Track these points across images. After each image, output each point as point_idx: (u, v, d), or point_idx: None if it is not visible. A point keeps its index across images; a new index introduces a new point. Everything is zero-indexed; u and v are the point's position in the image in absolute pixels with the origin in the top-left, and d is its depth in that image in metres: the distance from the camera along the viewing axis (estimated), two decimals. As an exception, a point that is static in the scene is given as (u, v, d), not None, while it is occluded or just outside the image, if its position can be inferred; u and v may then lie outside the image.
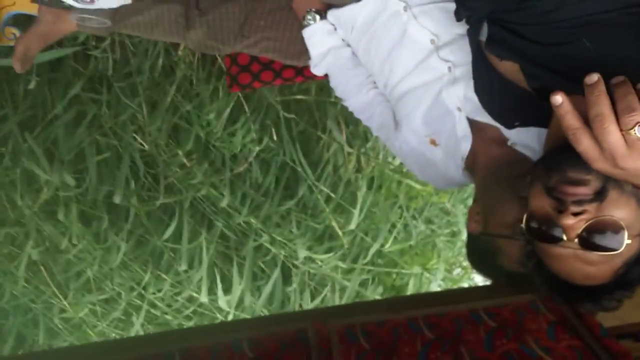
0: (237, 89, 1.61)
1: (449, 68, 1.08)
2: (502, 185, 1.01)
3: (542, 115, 0.86)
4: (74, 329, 2.59)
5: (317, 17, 1.26)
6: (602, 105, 0.59)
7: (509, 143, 1.07)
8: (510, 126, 1.02)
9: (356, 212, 2.56)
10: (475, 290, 1.44)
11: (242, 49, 1.36)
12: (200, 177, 2.33)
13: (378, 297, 2.88)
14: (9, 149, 2.14)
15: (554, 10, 0.74)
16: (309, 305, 2.68)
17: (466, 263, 3.25)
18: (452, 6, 0.96)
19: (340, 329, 1.16)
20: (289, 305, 2.67)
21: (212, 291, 2.50)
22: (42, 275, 2.39)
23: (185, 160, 2.31)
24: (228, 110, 2.25)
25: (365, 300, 2.76)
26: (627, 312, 0.86)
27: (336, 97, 1.46)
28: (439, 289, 3.09)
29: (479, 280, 3.11)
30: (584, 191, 0.71)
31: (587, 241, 0.72)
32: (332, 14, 1.25)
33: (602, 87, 0.60)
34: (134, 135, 2.22)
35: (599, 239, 0.71)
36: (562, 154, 0.74)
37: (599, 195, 0.71)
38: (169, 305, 2.54)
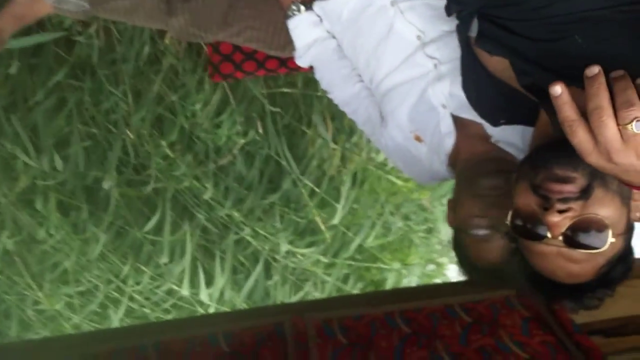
0: (219, 78, 1.57)
1: (435, 65, 1.08)
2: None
3: (529, 114, 0.86)
4: (48, 321, 2.54)
5: (303, 7, 1.24)
6: (601, 97, 0.58)
7: (492, 140, 1.07)
8: (496, 124, 1.02)
9: (340, 207, 2.56)
10: (451, 285, 1.46)
11: (225, 37, 1.32)
12: (183, 169, 2.30)
13: (357, 292, 2.89)
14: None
15: (546, 6, 0.73)
16: (289, 299, 2.67)
17: (440, 259, 3.30)
18: (439, 3, 0.96)
19: (318, 323, 1.17)
20: (270, 299, 2.65)
21: (193, 284, 2.47)
22: (17, 266, 2.33)
23: (168, 151, 2.27)
24: (214, 101, 2.22)
25: (344, 295, 2.78)
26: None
27: (322, 91, 1.44)
28: (414, 285, 3.11)
29: (452, 276, 3.16)
30: (570, 189, 0.71)
31: (572, 239, 0.72)
32: (318, 5, 1.23)
33: (602, 80, 0.59)
34: (117, 124, 2.18)
35: (584, 237, 0.72)
36: (548, 152, 0.74)
37: (585, 193, 0.72)
38: (147, 299, 2.51)
